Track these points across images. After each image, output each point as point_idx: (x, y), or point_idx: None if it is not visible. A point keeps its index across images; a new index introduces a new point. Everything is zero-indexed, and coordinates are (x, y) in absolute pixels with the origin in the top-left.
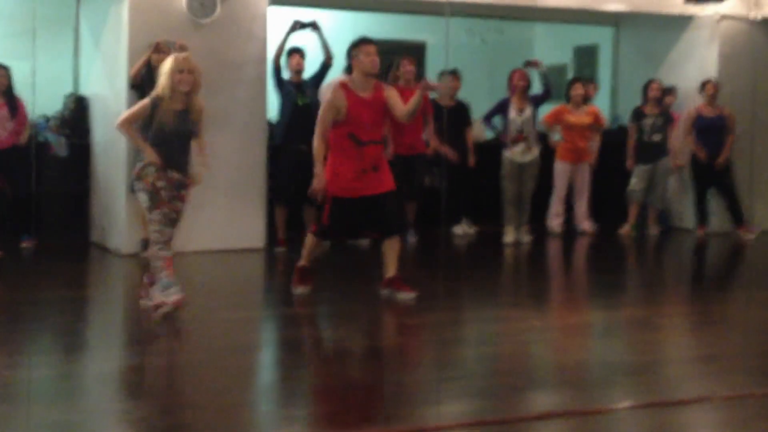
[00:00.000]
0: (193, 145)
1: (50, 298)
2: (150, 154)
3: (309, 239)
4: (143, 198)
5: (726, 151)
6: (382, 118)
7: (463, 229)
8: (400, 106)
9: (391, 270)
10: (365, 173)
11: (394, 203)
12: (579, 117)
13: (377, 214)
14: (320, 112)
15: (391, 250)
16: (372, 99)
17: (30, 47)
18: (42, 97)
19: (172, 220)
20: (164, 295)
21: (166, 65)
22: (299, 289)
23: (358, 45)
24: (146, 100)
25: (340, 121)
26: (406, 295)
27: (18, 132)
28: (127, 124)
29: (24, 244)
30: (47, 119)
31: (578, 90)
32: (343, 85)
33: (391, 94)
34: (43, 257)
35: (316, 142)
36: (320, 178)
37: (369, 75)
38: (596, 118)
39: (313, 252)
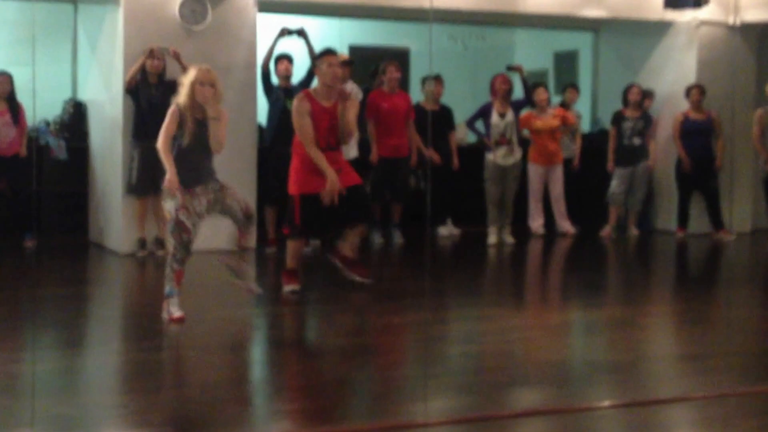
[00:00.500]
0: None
1: (51, 295)
2: (171, 176)
3: (288, 244)
4: (169, 225)
5: (720, 155)
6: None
7: (448, 230)
8: (348, 118)
9: (347, 250)
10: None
11: (360, 195)
12: (545, 120)
13: (343, 206)
14: (297, 124)
15: (353, 235)
16: (333, 107)
17: (30, 54)
18: (42, 102)
19: (187, 244)
20: (169, 305)
21: (189, 76)
22: (289, 287)
23: (322, 56)
24: (173, 108)
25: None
26: (360, 278)
27: (19, 142)
28: (166, 145)
29: (26, 244)
30: (47, 123)
31: (541, 95)
32: (306, 94)
33: (349, 105)
34: (43, 256)
35: (312, 153)
36: (332, 179)
37: (328, 86)
38: (564, 119)
39: (296, 254)
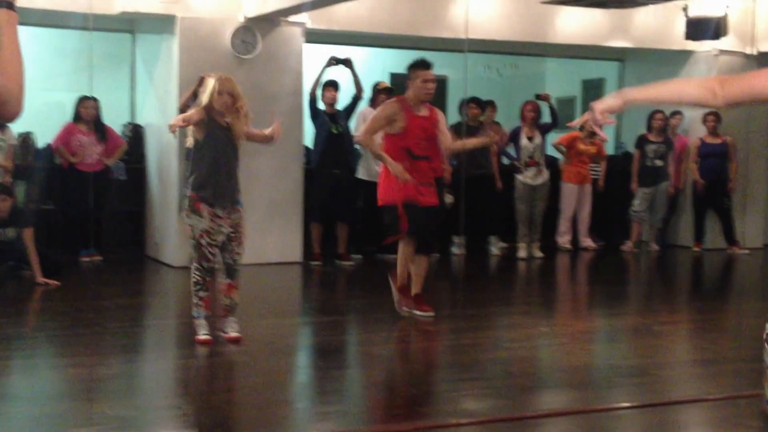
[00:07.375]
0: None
1: (110, 305)
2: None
3: (401, 249)
4: (191, 243)
5: (734, 177)
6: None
7: (498, 246)
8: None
9: (416, 287)
10: (423, 186)
11: (441, 219)
12: (587, 146)
13: (429, 226)
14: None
15: (420, 267)
16: (428, 118)
17: (91, 81)
18: None
19: (210, 270)
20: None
21: (209, 85)
22: (427, 313)
23: (416, 69)
24: (201, 107)
25: (397, 135)
26: (424, 314)
27: (109, 154)
28: (189, 120)
29: (88, 258)
30: None
31: None
32: (399, 100)
33: (440, 119)
34: (104, 269)
35: (366, 140)
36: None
37: (421, 100)
38: (600, 151)
39: (409, 260)
